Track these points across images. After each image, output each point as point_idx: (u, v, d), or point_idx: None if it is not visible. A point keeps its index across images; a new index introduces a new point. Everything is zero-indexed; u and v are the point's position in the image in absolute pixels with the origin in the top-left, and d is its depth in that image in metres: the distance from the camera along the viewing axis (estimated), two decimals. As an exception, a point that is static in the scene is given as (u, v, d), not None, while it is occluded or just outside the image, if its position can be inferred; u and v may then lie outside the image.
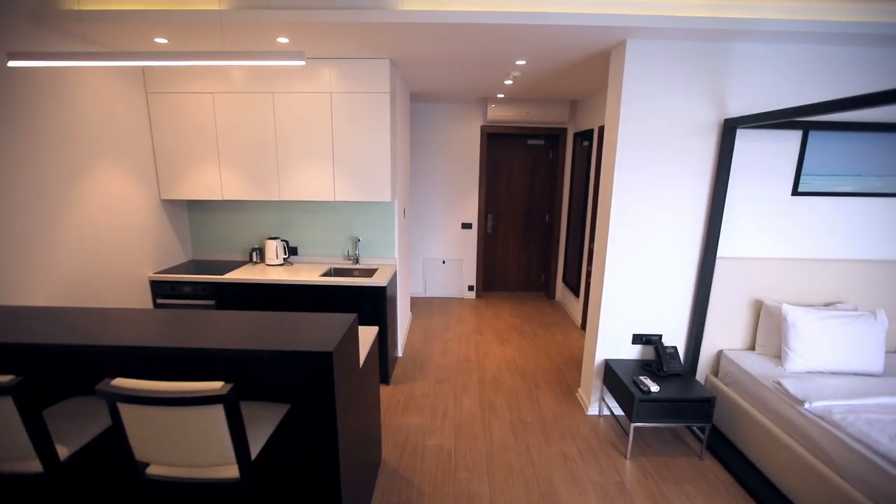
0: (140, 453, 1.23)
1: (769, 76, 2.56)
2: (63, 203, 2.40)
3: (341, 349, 1.50)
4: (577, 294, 4.77)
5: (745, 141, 2.67)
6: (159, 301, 3.14)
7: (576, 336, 4.37)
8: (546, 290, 5.68)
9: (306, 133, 3.15)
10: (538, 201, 5.48)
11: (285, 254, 3.54)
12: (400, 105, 3.70)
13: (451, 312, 5.01)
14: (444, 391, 3.24)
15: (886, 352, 2.81)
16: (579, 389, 3.24)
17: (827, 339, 2.48)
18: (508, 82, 3.82)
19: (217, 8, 2.21)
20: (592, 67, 3.19)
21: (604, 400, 2.99)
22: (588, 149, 4.43)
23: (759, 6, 2.20)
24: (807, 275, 2.77)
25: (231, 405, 1.15)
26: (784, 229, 2.78)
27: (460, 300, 5.48)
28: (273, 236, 3.59)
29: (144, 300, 3.08)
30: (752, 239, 2.79)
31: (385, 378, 3.31)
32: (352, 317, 1.67)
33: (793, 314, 2.53)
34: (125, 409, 1.16)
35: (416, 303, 5.34)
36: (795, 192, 2.73)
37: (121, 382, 1.14)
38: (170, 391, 1.11)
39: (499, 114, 4.83)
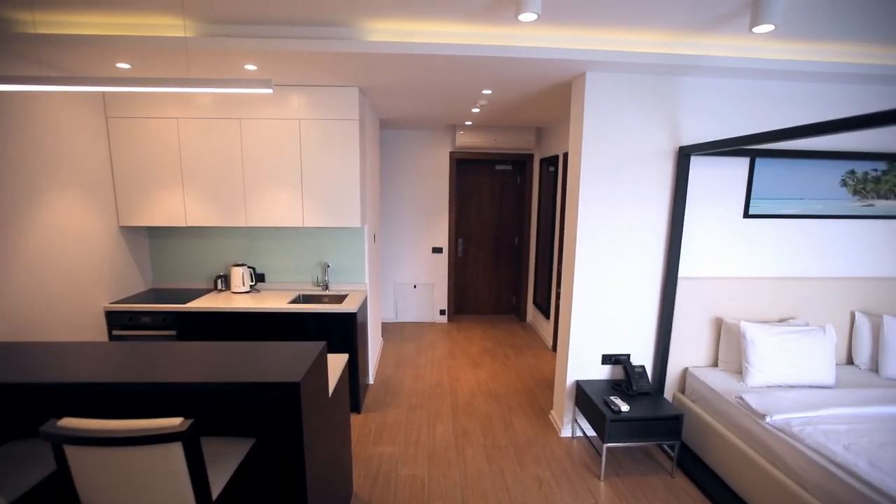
0: (88, 499, 1.14)
1: (718, 107, 2.74)
2: (13, 231, 2.28)
3: (309, 378, 1.47)
4: (547, 316, 4.83)
5: (700, 167, 2.82)
6: (115, 333, 2.98)
7: (547, 358, 4.40)
8: (517, 312, 5.73)
9: (275, 159, 3.13)
10: (507, 225, 5.58)
11: (252, 281, 3.44)
12: (369, 131, 3.74)
13: (423, 337, 4.96)
14: (417, 418, 3.18)
15: (836, 364, 2.97)
16: (552, 411, 3.24)
17: (783, 353, 2.59)
18: (476, 110, 3.93)
19: (183, 35, 2.20)
20: (556, 97, 3.33)
21: (576, 421, 3.00)
22: (554, 174, 4.58)
23: (705, 44, 2.38)
24: (761, 292, 2.91)
25: (190, 443, 1.09)
26: (738, 250, 2.93)
27: (432, 324, 5.45)
28: (239, 263, 3.50)
29: (99, 332, 2.92)
30: (710, 259, 2.92)
31: (356, 406, 3.23)
32: (320, 345, 1.64)
33: (751, 331, 2.64)
34: (72, 452, 1.08)
35: (387, 328, 5.27)
36: (747, 215, 2.90)
37: (68, 422, 1.07)
38: (122, 430, 1.05)
39: (467, 140, 4.95)
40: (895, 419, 2.19)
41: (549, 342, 4.72)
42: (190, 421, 1.09)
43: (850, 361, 2.99)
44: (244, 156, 3.11)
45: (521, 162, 5.40)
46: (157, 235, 3.47)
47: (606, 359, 2.93)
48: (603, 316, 2.88)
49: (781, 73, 2.54)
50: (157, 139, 3.06)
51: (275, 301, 3.13)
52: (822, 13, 2.01)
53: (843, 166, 2.90)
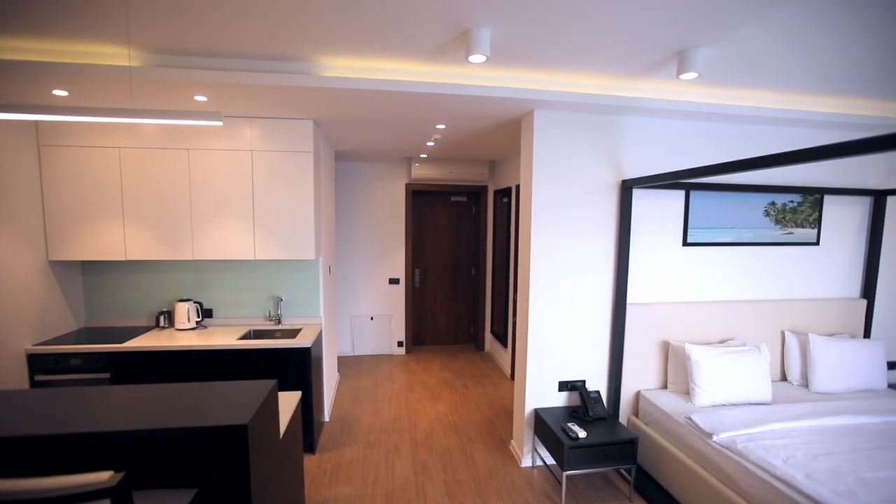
0: (-4, 572, 1.01)
1: (654, 145, 2.96)
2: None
3: (258, 420, 1.39)
4: (505, 345, 4.86)
5: (642, 199, 3.01)
6: (38, 378, 2.71)
7: (506, 387, 4.41)
8: (475, 342, 5.73)
9: (225, 191, 3.04)
10: (464, 255, 5.65)
11: (198, 316, 3.26)
12: (324, 163, 3.73)
13: (381, 370, 4.84)
14: (375, 455, 3.06)
15: (772, 381, 3.17)
16: (512, 441, 3.22)
17: (725, 373, 2.74)
18: (430, 143, 4.02)
19: (127, 64, 2.14)
20: (507, 132, 3.48)
21: (536, 450, 2.99)
22: (507, 205, 4.72)
23: (641, 88, 2.59)
24: (702, 316, 3.09)
25: (121, 499, 1.00)
26: (680, 276, 3.11)
27: (390, 357, 5.34)
28: (184, 298, 3.31)
29: (19, 378, 2.64)
30: (655, 286, 3.08)
31: (310, 446, 3.07)
32: (270, 383, 1.57)
33: (695, 353, 2.78)
34: (-20, 517, 0.96)
35: (343, 362, 5.11)
36: (685, 243, 3.10)
37: (-23, 483, 0.95)
38: (38, 490, 0.95)
39: (423, 172, 5.03)
40: (825, 431, 2.35)
41: (508, 371, 4.74)
42: (120, 475, 1.00)
43: (783, 378, 3.20)
44: (192, 187, 3.01)
45: (475, 193, 5.53)
46: (93, 270, 3.24)
47: (563, 385, 2.97)
48: (558, 343, 2.95)
49: (706, 114, 2.80)
50: (95, 169, 2.91)
51: (223, 337, 2.98)
52: (738, 64, 2.25)
53: (765, 199, 3.20)
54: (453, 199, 5.54)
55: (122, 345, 2.78)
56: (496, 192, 5.21)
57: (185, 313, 3.15)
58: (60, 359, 2.72)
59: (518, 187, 4.39)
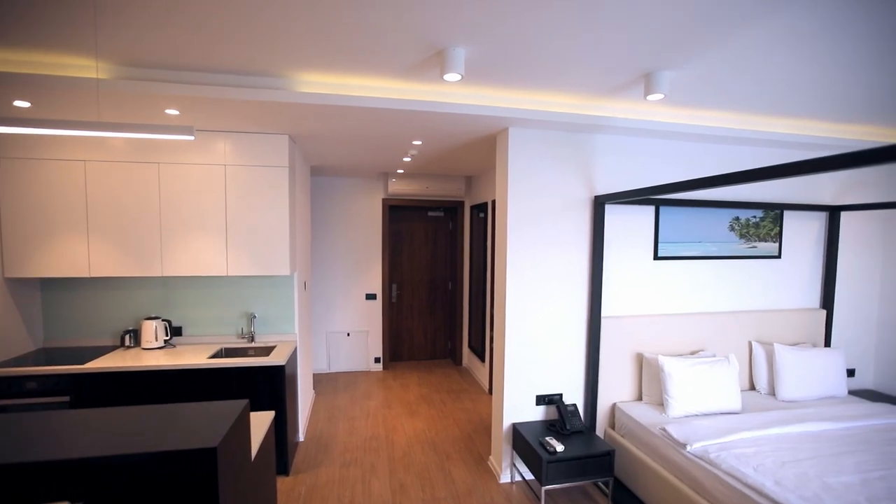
0: None
1: (626, 161, 3.06)
2: None
3: (229, 443, 1.34)
4: (482, 359, 4.85)
5: (614, 215, 3.10)
6: (-11, 404, 2.55)
7: (484, 401, 4.39)
8: (453, 357, 5.70)
9: (197, 206, 2.97)
10: (441, 270, 5.66)
11: (167, 335, 3.15)
12: (300, 178, 3.70)
13: (358, 387, 4.76)
14: (351, 476, 2.99)
15: (741, 390, 3.26)
16: (490, 457, 3.20)
17: (696, 384, 2.81)
18: (407, 159, 4.05)
19: (94, 76, 2.09)
20: (482, 148, 3.53)
21: (515, 465, 2.98)
22: (484, 220, 4.77)
23: (611, 107, 2.68)
24: (673, 328, 3.17)
25: (79, 529, 0.95)
26: (651, 289, 3.20)
27: (367, 373, 5.25)
28: (152, 316, 3.19)
29: (-33, 405, 2.48)
30: (628, 299, 3.15)
31: (284, 468, 2.97)
32: (242, 403, 1.52)
33: (668, 364, 2.84)
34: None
35: (319, 380, 5.00)
36: (656, 257, 3.20)
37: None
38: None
39: (399, 187, 5.04)
40: (791, 439, 2.42)
41: (486, 385, 4.72)
42: None
43: (752, 387, 3.30)
44: (162, 202, 2.93)
45: (452, 208, 5.57)
46: (53, 287, 3.10)
47: (540, 399, 2.98)
48: (535, 357, 2.96)
49: (673, 133, 2.92)
50: (58, 182, 2.80)
51: (193, 356, 2.87)
52: (701, 87, 2.37)
53: (730, 214, 3.33)
54: (430, 214, 5.57)
55: (82, 366, 2.65)
56: (472, 207, 5.26)
57: (152, 332, 3.04)
58: (15, 382, 2.57)
59: (494, 202, 4.44)
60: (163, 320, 3.11)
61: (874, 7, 1.60)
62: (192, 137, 1.56)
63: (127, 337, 3.08)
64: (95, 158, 2.83)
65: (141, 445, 1.21)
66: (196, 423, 1.36)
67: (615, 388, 3.08)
